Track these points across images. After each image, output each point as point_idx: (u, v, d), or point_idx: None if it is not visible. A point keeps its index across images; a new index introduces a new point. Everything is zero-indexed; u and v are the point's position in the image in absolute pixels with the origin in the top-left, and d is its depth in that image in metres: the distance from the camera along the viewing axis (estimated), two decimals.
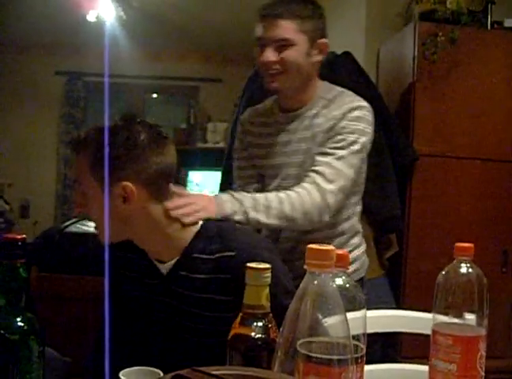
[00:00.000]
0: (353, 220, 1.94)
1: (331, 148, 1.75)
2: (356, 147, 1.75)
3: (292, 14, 1.75)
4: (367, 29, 3.50)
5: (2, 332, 0.85)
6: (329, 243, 1.84)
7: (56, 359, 1.54)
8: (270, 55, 1.77)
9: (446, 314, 1.11)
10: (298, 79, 1.81)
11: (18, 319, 0.94)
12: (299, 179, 1.78)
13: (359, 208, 1.97)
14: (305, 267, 0.75)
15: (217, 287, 1.38)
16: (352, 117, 1.77)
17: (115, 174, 1.33)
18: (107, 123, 1.37)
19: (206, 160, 5.31)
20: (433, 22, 2.93)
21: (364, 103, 1.82)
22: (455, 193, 2.96)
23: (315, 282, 0.74)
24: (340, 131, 1.76)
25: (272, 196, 1.66)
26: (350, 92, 1.87)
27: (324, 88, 1.89)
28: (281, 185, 1.84)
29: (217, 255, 1.39)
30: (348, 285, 0.96)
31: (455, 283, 1.11)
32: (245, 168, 2.01)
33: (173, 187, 1.46)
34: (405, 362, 1.56)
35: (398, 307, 2.65)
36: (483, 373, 1.09)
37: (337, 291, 0.75)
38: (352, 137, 1.75)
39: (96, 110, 6.24)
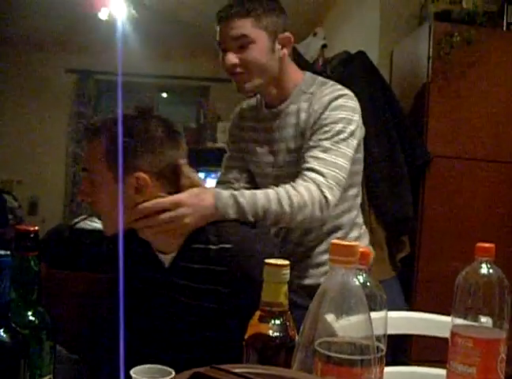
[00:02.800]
0: (352, 214, 1.88)
1: (317, 141, 1.68)
2: (343, 135, 1.67)
3: (246, 11, 1.69)
4: (381, 29, 3.48)
5: (13, 325, 0.83)
6: (324, 238, 1.76)
7: (63, 356, 1.52)
8: (231, 58, 1.72)
9: (465, 316, 1.08)
10: (265, 77, 1.76)
11: (29, 313, 0.92)
12: (290, 179, 1.68)
13: (358, 200, 1.91)
14: (328, 263, 0.73)
15: (214, 278, 1.37)
16: (333, 106, 1.71)
17: (130, 164, 1.33)
18: (121, 116, 1.36)
19: (216, 160, 5.26)
20: (448, 22, 2.90)
21: (345, 91, 1.76)
22: (469, 194, 2.92)
23: (338, 278, 0.72)
24: (324, 122, 1.69)
25: (271, 195, 1.54)
26: (331, 82, 1.81)
27: (306, 81, 1.83)
28: (271, 185, 1.74)
29: (214, 246, 1.39)
30: (368, 284, 0.93)
31: (475, 284, 1.08)
32: (234, 159, 1.99)
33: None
34: (416, 366, 1.54)
35: (409, 309, 2.62)
36: (503, 377, 1.06)
37: (361, 288, 0.72)
38: (337, 127, 1.68)
39: (106, 108, 6.23)
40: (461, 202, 2.92)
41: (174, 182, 1.42)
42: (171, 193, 1.41)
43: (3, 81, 6.03)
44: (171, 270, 1.45)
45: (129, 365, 1.08)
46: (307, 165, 1.63)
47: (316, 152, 1.65)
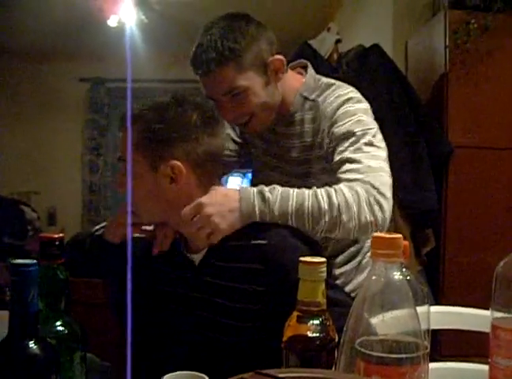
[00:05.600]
0: None
1: (341, 156, 1.48)
2: (367, 138, 1.48)
3: (224, 58, 1.48)
4: (394, 21, 3.43)
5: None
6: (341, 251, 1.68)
7: (96, 363, 1.49)
8: (227, 114, 1.55)
9: (506, 308, 1.04)
10: (271, 110, 1.60)
11: (58, 323, 0.90)
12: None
13: None
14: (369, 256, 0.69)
15: (248, 276, 1.31)
16: (340, 116, 1.53)
17: (164, 153, 1.32)
18: (141, 111, 1.37)
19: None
20: (463, 10, 2.85)
21: (349, 95, 1.57)
22: (493, 184, 2.87)
23: (382, 273, 0.68)
24: (337, 135, 1.52)
25: (306, 191, 1.38)
26: (336, 85, 1.63)
27: (307, 85, 1.65)
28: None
29: (247, 242, 1.32)
30: (408, 277, 0.89)
31: None
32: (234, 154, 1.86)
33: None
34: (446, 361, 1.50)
35: (437, 303, 2.57)
36: None
37: (406, 283, 0.68)
38: (355, 132, 1.49)
39: (119, 115, 6.23)
40: (484, 192, 2.86)
41: (209, 172, 1.38)
42: (206, 187, 1.37)
43: (15, 93, 6.05)
44: (202, 268, 1.38)
45: (157, 372, 1.05)
46: (343, 178, 1.43)
47: (346, 166, 1.45)
